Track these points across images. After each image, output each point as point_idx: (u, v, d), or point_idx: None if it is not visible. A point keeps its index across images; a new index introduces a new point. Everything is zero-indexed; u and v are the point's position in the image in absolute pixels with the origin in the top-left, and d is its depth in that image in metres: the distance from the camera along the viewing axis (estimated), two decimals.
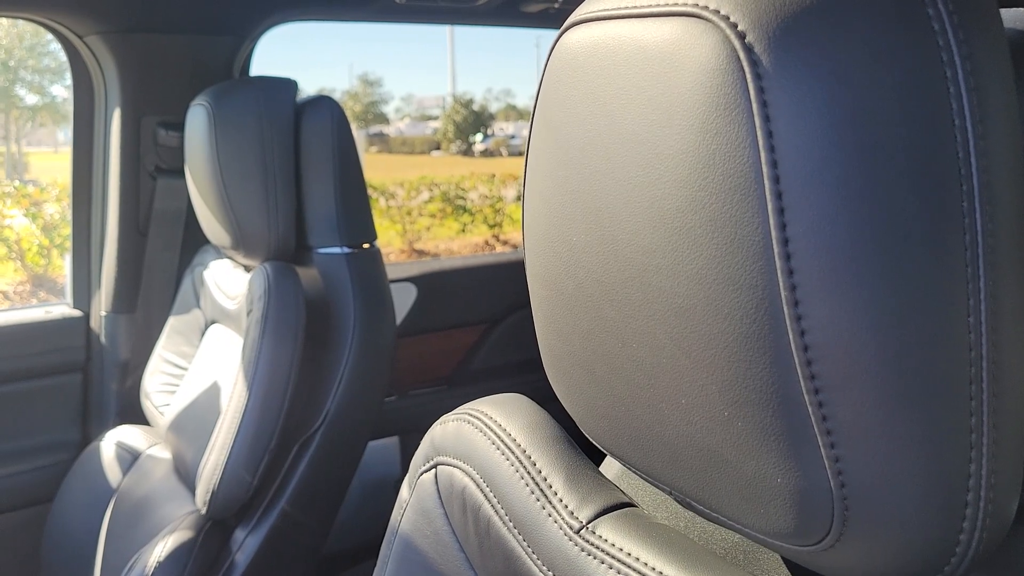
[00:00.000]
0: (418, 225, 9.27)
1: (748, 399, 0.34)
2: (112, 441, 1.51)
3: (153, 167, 1.61)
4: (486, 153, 27.83)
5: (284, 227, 1.28)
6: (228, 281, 1.40)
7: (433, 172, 10.60)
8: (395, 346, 1.36)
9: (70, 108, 1.66)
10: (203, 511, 1.17)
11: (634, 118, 0.36)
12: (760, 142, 0.31)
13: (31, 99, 17.96)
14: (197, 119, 1.30)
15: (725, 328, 0.34)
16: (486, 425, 0.58)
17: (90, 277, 1.70)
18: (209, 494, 1.15)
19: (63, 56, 1.62)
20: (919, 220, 0.30)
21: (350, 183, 1.32)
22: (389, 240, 9.01)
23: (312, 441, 1.23)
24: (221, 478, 1.14)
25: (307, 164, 1.31)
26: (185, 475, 1.31)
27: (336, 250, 1.31)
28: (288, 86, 1.32)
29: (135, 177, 1.61)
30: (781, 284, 0.31)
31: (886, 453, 0.32)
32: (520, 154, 26.49)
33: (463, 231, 9.63)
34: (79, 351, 1.68)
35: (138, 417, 1.59)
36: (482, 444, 0.57)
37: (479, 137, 29.96)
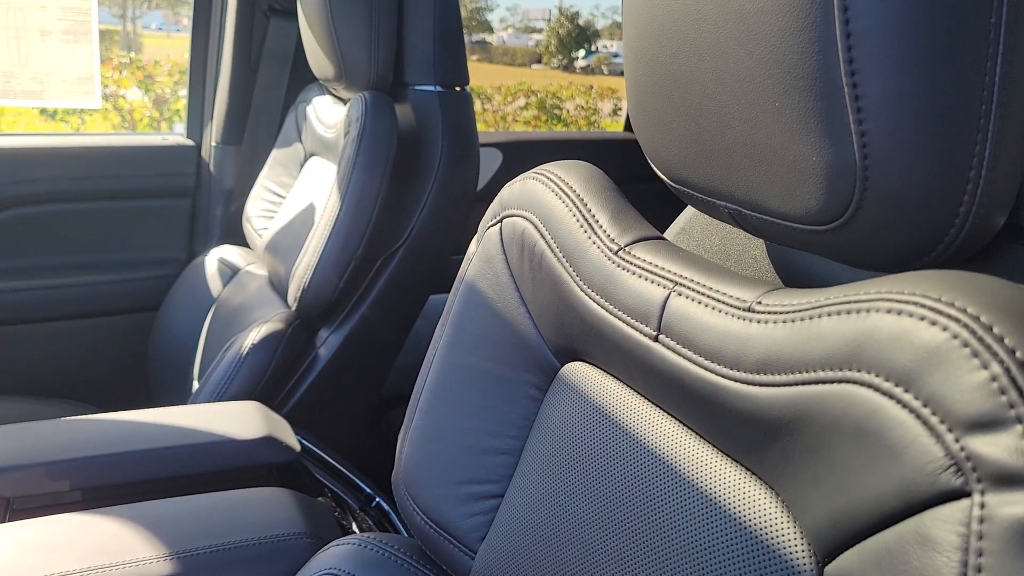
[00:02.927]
0: (512, 130, 9.29)
1: (796, 87, 0.42)
2: (215, 257, 1.66)
3: (267, 7, 1.70)
4: (587, 70, 27.29)
5: (384, 61, 1.36)
6: (328, 114, 1.50)
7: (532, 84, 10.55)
8: (475, 194, 1.44)
9: None
10: (293, 308, 1.30)
11: None
12: None
13: None
14: None
15: (783, 24, 0.41)
16: (549, 179, 0.65)
17: (203, 110, 1.83)
18: (300, 291, 1.27)
19: None
20: None
21: (449, 25, 1.39)
22: None
23: (393, 258, 1.33)
24: (311, 277, 1.26)
25: (410, 1, 1.38)
26: (279, 286, 1.44)
27: (430, 88, 1.39)
28: None
29: (250, 16, 1.71)
30: None
31: (904, 128, 0.39)
32: (620, 74, 25.89)
33: None
34: (190, 177, 1.82)
35: (239, 240, 1.73)
36: (543, 193, 0.65)
37: (581, 53, 29.35)
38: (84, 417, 1.08)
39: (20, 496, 0.97)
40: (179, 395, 1.52)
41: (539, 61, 30.10)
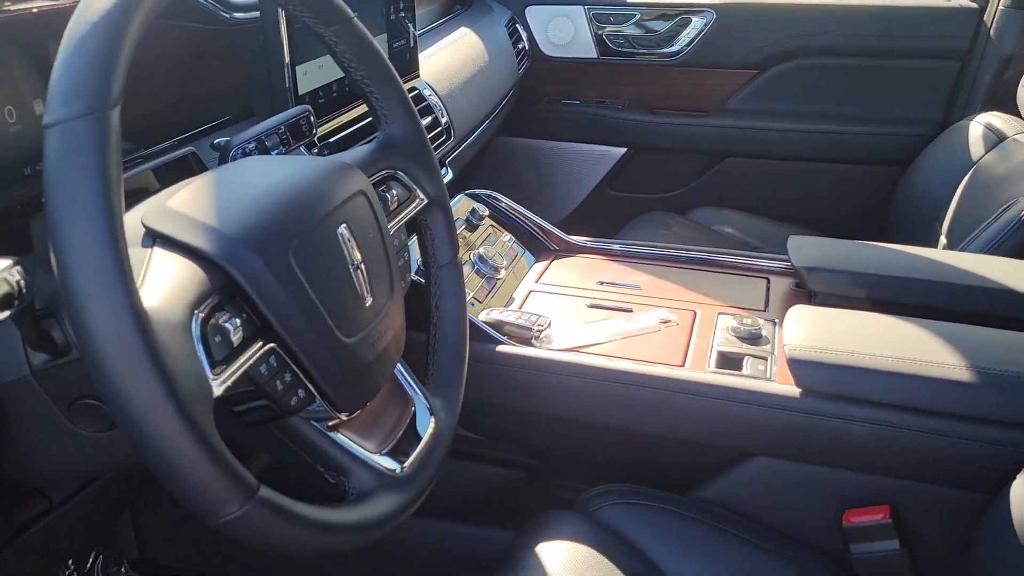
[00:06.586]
0: None
1: None
2: (980, 122, 1.69)
3: None
4: None
5: None
6: None
7: None
8: None
9: None
10: None
11: None
12: None
13: None
14: None
15: None
16: None
17: None
18: None
19: None
20: None
21: None
22: None
23: None
24: None
25: None
26: None
27: None
28: None
29: None
30: None
31: None
32: None
33: None
34: (964, 41, 1.85)
35: (1007, 108, 1.72)
36: None
37: None
38: (879, 244, 1.27)
39: (823, 292, 1.22)
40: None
41: None
